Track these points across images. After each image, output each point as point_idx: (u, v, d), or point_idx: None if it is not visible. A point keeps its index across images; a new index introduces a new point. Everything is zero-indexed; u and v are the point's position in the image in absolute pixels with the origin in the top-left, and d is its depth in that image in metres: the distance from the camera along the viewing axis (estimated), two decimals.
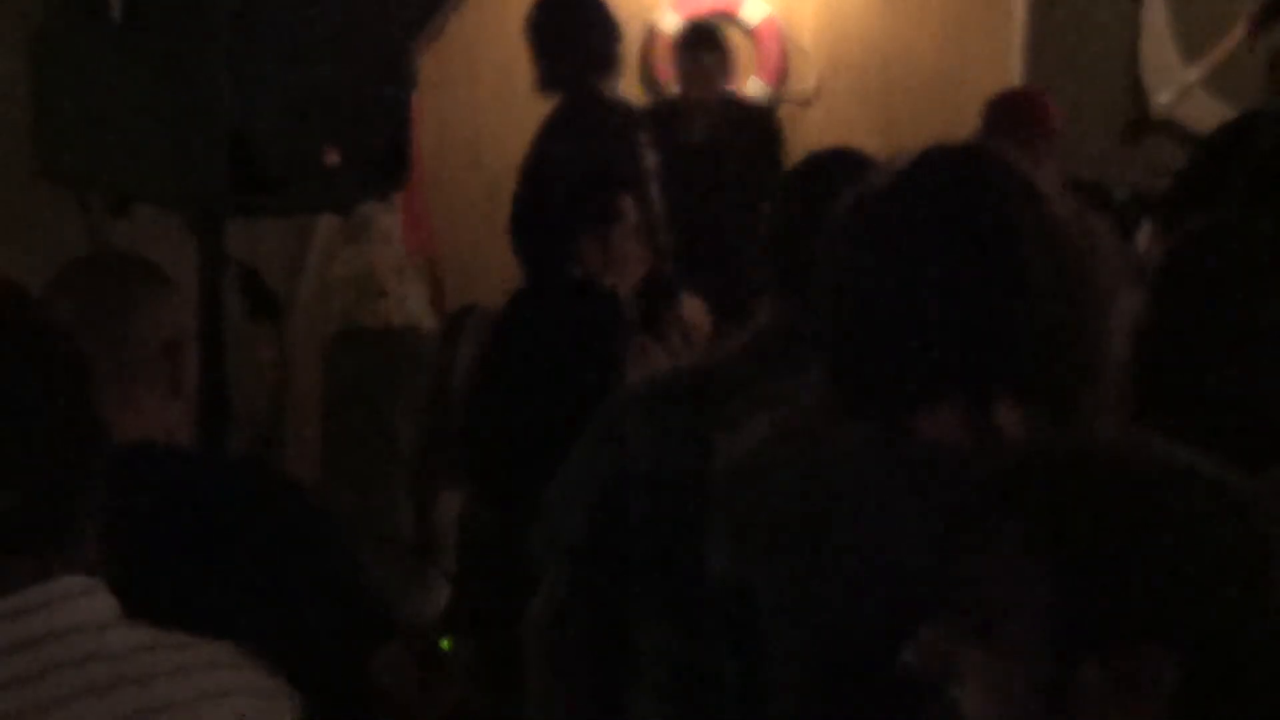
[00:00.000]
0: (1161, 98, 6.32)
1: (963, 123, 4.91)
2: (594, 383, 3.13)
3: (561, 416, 3.13)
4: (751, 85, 6.71)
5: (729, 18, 6.70)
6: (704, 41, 5.84)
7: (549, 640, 2.31)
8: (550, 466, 2.43)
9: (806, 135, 6.48)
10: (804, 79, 6.74)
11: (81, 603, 1.37)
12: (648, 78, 6.66)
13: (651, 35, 6.68)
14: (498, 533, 3.26)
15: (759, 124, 5.95)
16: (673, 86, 6.21)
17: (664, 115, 5.61)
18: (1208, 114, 6.13)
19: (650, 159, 4.53)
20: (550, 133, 4.48)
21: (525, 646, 2.36)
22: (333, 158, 2.51)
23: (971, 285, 1.64)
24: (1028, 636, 1.20)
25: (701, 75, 5.78)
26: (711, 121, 5.77)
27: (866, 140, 6.15)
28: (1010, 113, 4.78)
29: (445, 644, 3.64)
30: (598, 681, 2.28)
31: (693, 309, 4.64)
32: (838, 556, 1.67)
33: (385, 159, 2.70)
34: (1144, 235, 4.19)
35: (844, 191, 1.80)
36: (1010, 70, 6.37)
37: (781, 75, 6.70)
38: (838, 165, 2.23)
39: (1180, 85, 6.30)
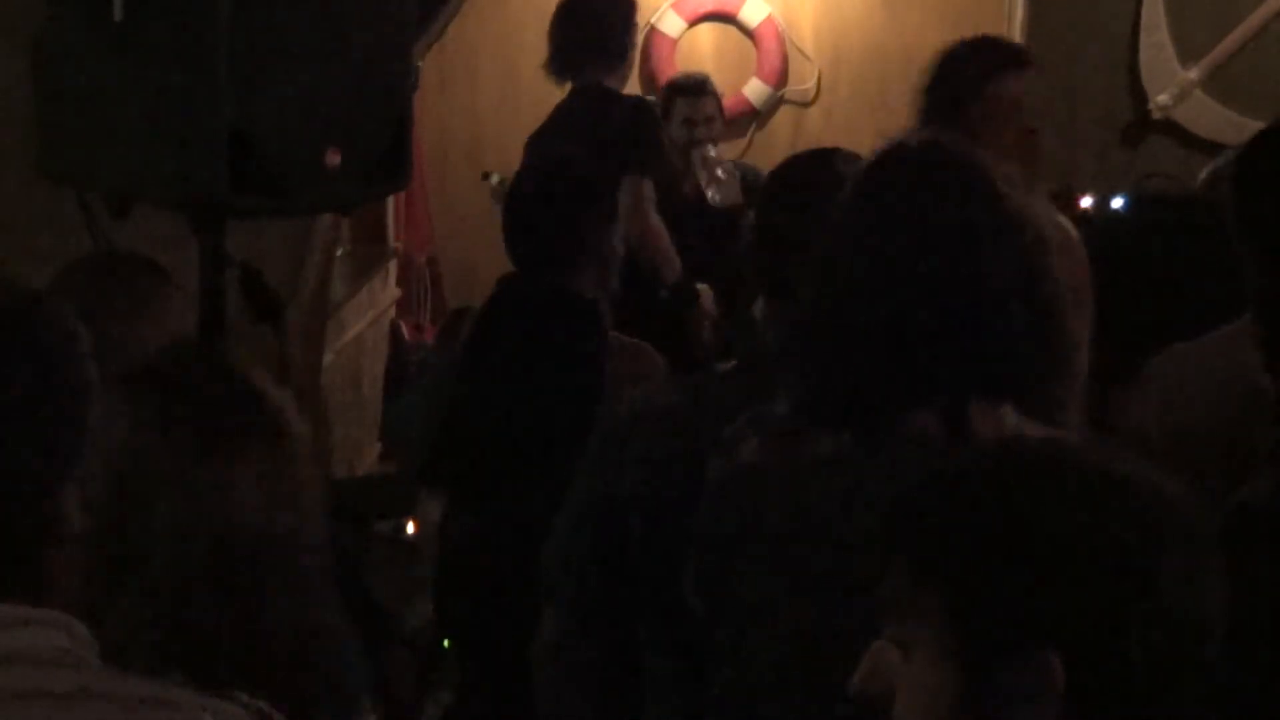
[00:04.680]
0: (1161, 98, 6.32)
1: None
2: (571, 390, 3.10)
3: (538, 423, 3.11)
4: (751, 85, 6.71)
5: (729, 18, 6.70)
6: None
7: (559, 664, 2.29)
8: (528, 473, 2.40)
9: (806, 135, 6.50)
10: (804, 79, 6.74)
11: (28, 633, 1.26)
12: (648, 79, 6.66)
13: (652, 36, 6.68)
14: (476, 539, 3.24)
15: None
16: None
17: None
18: (1207, 115, 6.14)
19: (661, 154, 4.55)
20: (554, 126, 4.49)
21: (534, 670, 2.34)
22: (333, 158, 2.51)
23: (932, 287, 1.64)
24: (934, 652, 1.26)
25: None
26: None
27: (866, 140, 6.16)
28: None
29: (445, 644, 3.64)
30: (608, 706, 2.26)
31: (706, 298, 4.65)
32: (809, 570, 1.68)
33: (385, 159, 2.70)
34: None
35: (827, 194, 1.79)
36: None
37: (781, 75, 6.70)
38: (820, 168, 2.20)
39: (1180, 86, 6.30)
